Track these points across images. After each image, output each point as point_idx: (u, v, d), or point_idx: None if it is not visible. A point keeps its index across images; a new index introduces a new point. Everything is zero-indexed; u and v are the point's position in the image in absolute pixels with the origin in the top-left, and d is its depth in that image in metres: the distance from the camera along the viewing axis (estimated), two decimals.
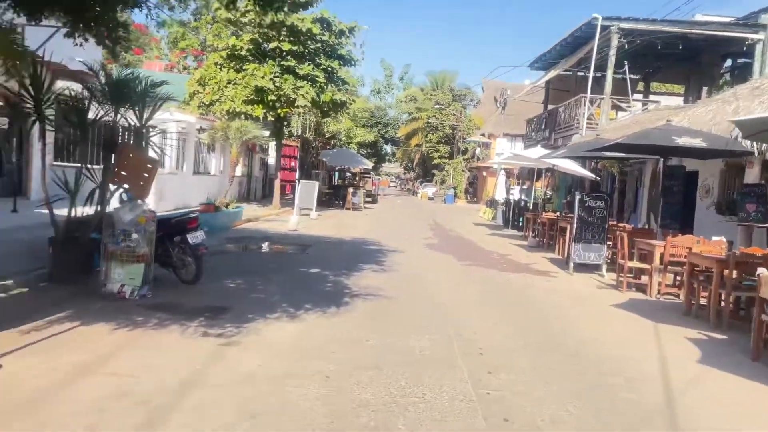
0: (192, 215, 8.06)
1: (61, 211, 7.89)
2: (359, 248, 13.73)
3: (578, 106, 20.13)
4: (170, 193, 17.61)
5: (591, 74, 19.65)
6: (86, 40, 7.29)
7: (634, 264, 10.02)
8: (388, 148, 70.20)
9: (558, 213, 17.22)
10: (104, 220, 7.18)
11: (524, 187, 27.71)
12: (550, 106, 26.86)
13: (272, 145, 31.32)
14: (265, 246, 13.00)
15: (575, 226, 11.74)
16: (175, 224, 7.90)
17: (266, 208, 23.09)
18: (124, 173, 7.23)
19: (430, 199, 52.94)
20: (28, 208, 13.07)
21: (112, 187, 7.78)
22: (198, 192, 20.10)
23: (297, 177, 36.49)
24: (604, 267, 11.77)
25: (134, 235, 7.00)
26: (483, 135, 49.61)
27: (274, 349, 5.40)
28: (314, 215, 21.26)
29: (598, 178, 17.50)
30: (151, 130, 7.83)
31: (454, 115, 54.35)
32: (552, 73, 22.97)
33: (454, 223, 25.02)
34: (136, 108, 8.05)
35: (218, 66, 22.48)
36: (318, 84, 22.24)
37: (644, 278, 10.21)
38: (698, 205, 14.49)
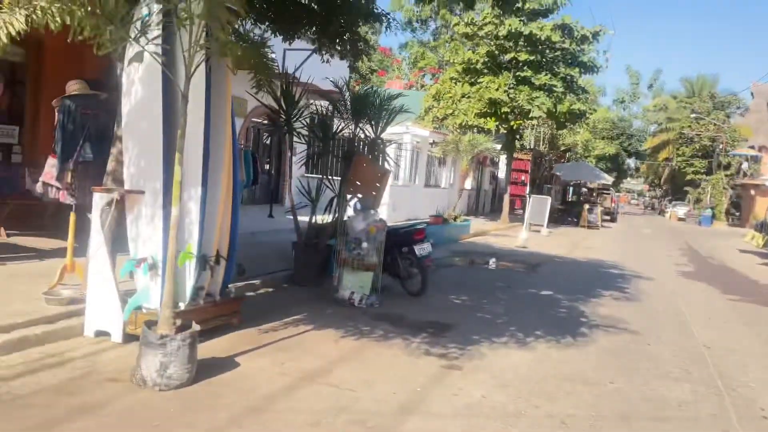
0: (419, 227, 7.94)
1: (306, 218, 8.41)
2: (596, 271, 12.42)
3: None
4: (403, 204, 18.18)
5: None
6: (332, 55, 7.66)
7: None
8: (630, 162, 64.48)
9: None
10: (339, 227, 7.41)
11: None
12: None
13: (503, 159, 30.88)
14: (492, 262, 12.49)
15: None
16: (403, 235, 7.84)
17: (494, 223, 22.62)
18: (358, 183, 7.39)
19: (681, 219, 47.02)
20: (282, 214, 14.57)
21: (348, 196, 8.05)
22: (428, 204, 20.47)
23: (527, 191, 35.44)
24: None
25: (365, 244, 7.07)
26: (752, 147, 42.46)
27: (500, 380, 4.84)
28: (545, 232, 20.15)
29: None
30: (385, 142, 7.92)
31: (714, 124, 47.57)
32: None
33: (714, 249, 21.57)
34: (372, 121, 8.26)
35: (453, 80, 22.77)
36: (555, 94, 21.12)
37: None
38: None
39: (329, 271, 7.92)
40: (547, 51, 21.63)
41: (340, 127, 8.60)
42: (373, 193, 7.18)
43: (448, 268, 10.74)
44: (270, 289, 7.48)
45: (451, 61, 23.61)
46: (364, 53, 7.51)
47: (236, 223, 5.37)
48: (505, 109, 20.94)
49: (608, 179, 30.68)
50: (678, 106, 54.81)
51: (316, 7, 6.70)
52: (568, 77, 21.61)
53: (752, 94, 52.87)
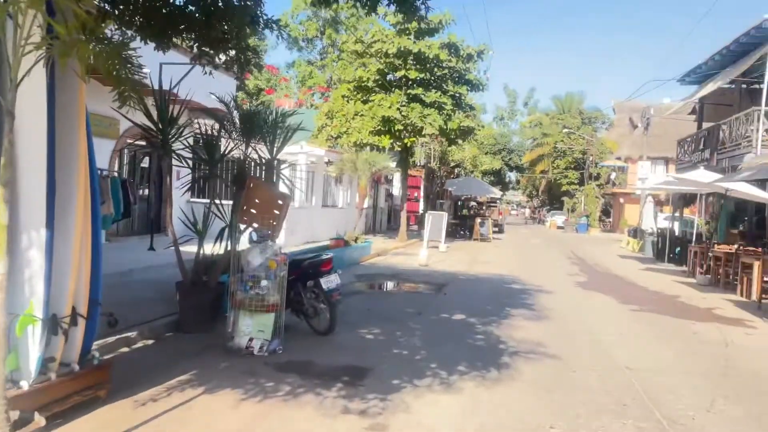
0: (325, 257, 7.14)
1: (194, 250, 7.31)
2: (500, 287, 12.24)
3: (749, 122, 17.28)
4: (300, 227, 17.27)
5: (766, 83, 16.79)
6: (215, 67, 6.71)
7: None
8: (511, 176, 67.68)
9: (739, 246, 14.50)
10: (233, 263, 6.44)
11: (677, 215, 24.59)
12: (706, 124, 23.81)
13: (396, 176, 30.82)
14: (397, 285, 11.96)
15: None
16: (307, 267, 7.01)
17: (392, 241, 22.26)
18: (253, 210, 6.47)
19: (560, 227, 49.77)
20: (165, 245, 13.10)
21: (241, 225, 7.09)
22: (326, 225, 19.69)
23: (421, 207, 35.71)
24: None
25: (264, 282, 6.16)
26: (619, 159, 45.96)
27: None
28: (443, 248, 20.04)
29: None
30: (282, 163, 7.07)
31: (583, 138, 51.07)
32: (711, 86, 20.16)
33: (597, 256, 22.60)
34: (267, 140, 7.39)
35: (345, 98, 22.28)
36: (445, 111, 21.25)
37: None
38: None
39: (223, 310, 6.90)
40: (436, 69, 21.77)
41: (229, 148, 7.63)
42: (272, 221, 6.29)
43: (355, 296, 9.99)
44: (150, 342, 6.32)
45: (342, 78, 23.08)
46: (251, 63, 6.62)
47: (98, 268, 4.28)
48: (399, 127, 20.73)
49: (497, 193, 31.58)
50: (551, 122, 58.37)
51: (193, 8, 5.74)
52: (457, 95, 21.87)
53: (613, 110, 57.54)
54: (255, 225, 6.39)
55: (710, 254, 14.58)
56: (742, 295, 12.49)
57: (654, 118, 32.54)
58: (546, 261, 19.55)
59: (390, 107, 20.68)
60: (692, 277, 15.90)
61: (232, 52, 6.69)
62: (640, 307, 10.50)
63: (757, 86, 22.61)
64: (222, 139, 7.68)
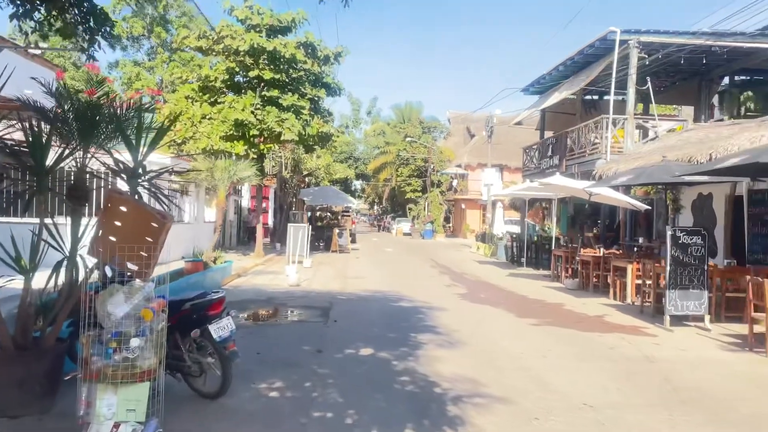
0: (215, 296, 5.39)
1: (18, 290, 5.14)
2: (389, 307, 11.15)
3: (598, 129, 18.29)
4: None
5: (612, 93, 17.87)
6: (44, 36, 4.70)
7: None
8: (357, 184, 67.94)
9: (616, 249, 14.98)
10: (84, 313, 4.47)
11: (527, 220, 25.71)
12: (548, 133, 25.21)
13: (245, 186, 28.62)
14: (277, 313, 10.32)
15: (669, 268, 9.51)
16: (190, 311, 5.24)
17: (248, 258, 20.26)
18: (112, 238, 4.56)
19: (407, 234, 50.69)
20: None
21: (87, 256, 5.10)
22: (174, 244, 17.19)
23: (270, 219, 33.71)
24: (707, 318, 9.55)
25: (135, 341, 4.32)
26: (459, 166, 47.94)
27: None
28: (308, 263, 18.55)
29: (649, 207, 15.50)
30: (147, 172, 5.18)
31: (425, 147, 52.65)
32: (557, 96, 21.19)
33: (455, 262, 22.68)
34: (107, 142, 5.43)
35: (190, 100, 19.86)
36: (303, 116, 19.86)
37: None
38: None
39: (62, 378, 4.88)
40: (291, 70, 20.30)
41: (64, 153, 5.54)
42: (141, 252, 4.45)
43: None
44: None
45: (184, 77, 20.59)
46: (105, 29, 4.70)
47: None
48: (254, 132, 18.90)
49: (353, 202, 30.77)
50: (393, 131, 59.56)
51: None
52: (316, 98, 20.60)
53: (449, 120, 60.47)
54: (117, 259, 4.49)
55: (577, 258, 14.91)
56: (615, 298, 12.78)
57: (490, 127, 34.08)
58: (415, 271, 18.97)
59: (243, 110, 18.79)
60: (557, 281, 16.26)
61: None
62: (538, 321, 10.04)
63: (594, 97, 24.55)
64: (54, 141, 5.56)
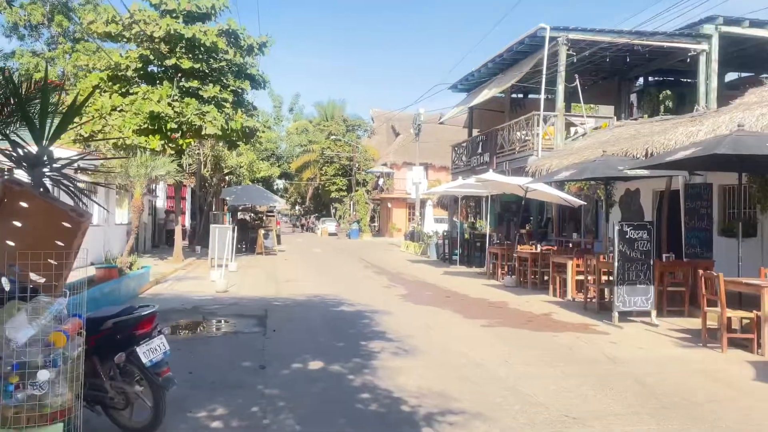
0: (145, 312, 4.45)
1: None
2: (331, 313, 10.39)
3: (529, 126, 18.33)
4: None
5: (543, 89, 17.94)
6: None
7: (739, 314, 7.71)
8: (280, 183, 66.20)
9: (549, 246, 14.89)
10: None
11: (455, 219, 25.64)
12: (475, 131, 25.24)
13: (160, 185, 26.80)
14: (207, 324, 9.31)
15: (617, 264, 9.36)
16: (113, 331, 4.28)
17: (167, 263, 18.80)
18: (10, 242, 3.55)
19: (332, 234, 49.85)
20: None
21: None
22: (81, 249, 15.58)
23: (188, 221, 31.83)
24: (654, 313, 9.48)
25: (43, 374, 3.36)
26: (385, 165, 47.64)
27: None
28: (233, 267, 17.37)
29: (585, 203, 15.59)
30: (54, 160, 4.16)
31: (349, 145, 51.97)
32: (486, 94, 21.15)
33: (388, 262, 22.20)
34: (4, 127, 4.39)
35: (98, 90, 18.12)
36: (226, 109, 18.63)
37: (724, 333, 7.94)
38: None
39: None
40: (212, 60, 19.00)
41: None
42: (51, 261, 3.49)
43: None
44: None
45: (91, 66, 18.78)
46: None
47: None
48: (172, 125, 17.49)
49: (280, 201, 29.61)
50: (316, 129, 58.45)
51: None
52: (239, 90, 19.42)
53: (372, 118, 60.16)
54: (18, 268, 3.49)
55: (515, 255, 14.74)
56: (555, 295, 12.65)
57: (417, 125, 33.90)
58: (350, 273, 18.25)
59: (159, 102, 17.35)
60: (494, 278, 16.07)
61: None
62: (488, 322, 9.62)
63: (519, 95, 24.79)
64: None
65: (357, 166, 50.19)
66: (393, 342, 7.86)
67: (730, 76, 22.35)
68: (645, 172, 9.96)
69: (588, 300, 11.07)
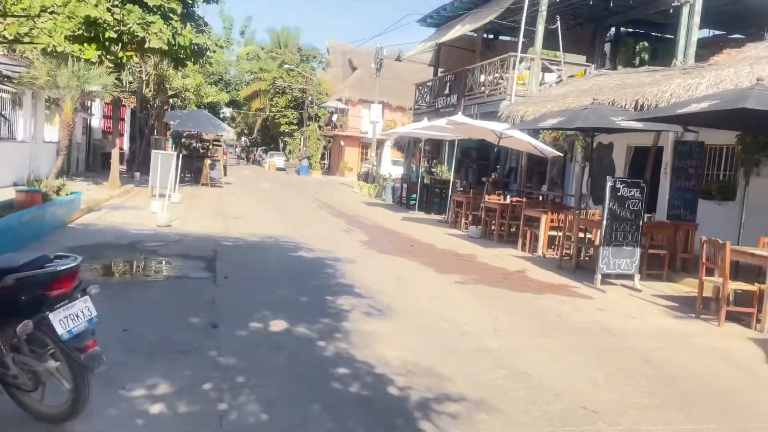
0: (63, 266, 3.26)
1: None
2: (289, 258, 9.34)
3: (504, 68, 17.27)
4: None
5: (522, 28, 16.79)
6: None
7: (739, 285, 7.14)
8: (228, 111, 62.94)
9: (518, 197, 14.14)
10: None
11: (412, 162, 24.65)
12: (441, 71, 23.96)
13: (96, 103, 24.44)
14: (146, 265, 8.10)
15: (605, 223, 8.67)
16: (15, 289, 3.10)
17: (101, 188, 17.11)
18: None
19: (280, 169, 48.06)
20: None
21: None
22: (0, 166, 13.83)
23: (126, 144, 29.50)
24: (637, 278, 8.92)
25: None
26: (339, 100, 45.68)
27: None
28: (176, 198, 15.89)
29: (561, 154, 14.79)
30: None
31: (303, 76, 49.46)
32: (459, 30, 19.84)
33: (342, 203, 21.17)
34: None
35: None
36: (173, 21, 16.61)
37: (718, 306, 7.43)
38: None
39: None
40: None
41: None
42: None
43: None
44: None
45: None
46: None
47: None
48: (111, 34, 15.44)
49: (229, 130, 27.67)
50: (268, 57, 55.22)
51: None
52: (189, 1, 17.32)
53: (327, 50, 57.40)
54: None
55: (482, 205, 13.96)
56: (525, 249, 12.01)
57: (379, 60, 32.16)
58: (304, 213, 17.12)
59: (97, 6, 15.19)
60: (456, 227, 15.35)
61: None
62: (462, 278, 8.82)
63: (490, 36, 23.55)
64: None
65: (310, 99, 47.99)
66: (363, 298, 6.93)
67: (700, 34, 21.89)
68: (639, 125, 9.17)
69: (563, 257, 10.45)
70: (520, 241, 12.26)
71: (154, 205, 13.10)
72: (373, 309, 6.49)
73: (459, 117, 15.52)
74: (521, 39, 16.71)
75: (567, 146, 14.95)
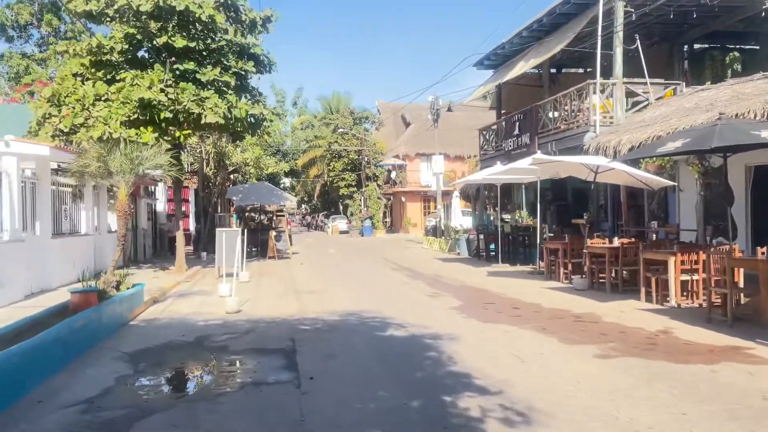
0: None
1: None
2: (379, 341, 7.84)
3: (582, 97, 15.68)
4: (14, 272, 10.71)
5: (599, 52, 15.25)
6: None
7: None
8: (287, 181, 63.59)
9: (630, 240, 12.14)
10: None
11: (488, 211, 23.02)
12: (503, 112, 22.60)
13: (159, 187, 24.33)
14: (214, 371, 6.76)
15: None
16: None
17: (168, 274, 16.33)
18: None
19: (344, 232, 47.37)
20: None
21: None
22: (64, 264, 13.19)
23: (192, 224, 29.33)
24: None
25: None
26: (396, 157, 44.98)
27: None
28: (244, 276, 14.87)
29: (673, 183, 12.82)
30: None
31: (357, 138, 49.32)
32: (525, 65, 18.51)
33: (416, 262, 19.66)
34: None
35: (78, 77, 15.61)
36: (228, 95, 16.07)
37: None
38: None
39: None
40: (210, 39, 16.46)
41: None
42: None
43: (142, 421, 4.69)
44: None
45: (71, 49, 16.24)
46: None
47: None
48: (166, 114, 14.96)
49: (291, 199, 27.02)
50: (321, 124, 55.75)
51: None
52: (242, 72, 16.83)
53: (378, 110, 57.50)
54: None
55: (585, 251, 12.13)
56: (651, 300, 10.04)
57: (436, 110, 31.20)
58: (378, 277, 15.70)
59: (150, 88, 14.82)
60: (553, 279, 13.51)
61: None
62: (601, 350, 7.02)
63: (552, 71, 22.12)
64: None
65: (366, 159, 47.59)
66: (490, 395, 5.29)
67: None
68: None
69: (711, 307, 8.46)
70: (643, 291, 10.31)
71: (222, 289, 12.03)
72: (512, 413, 4.84)
73: (542, 155, 13.98)
74: (599, 64, 15.13)
75: (672, 173, 12.98)
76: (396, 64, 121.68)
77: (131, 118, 14.92)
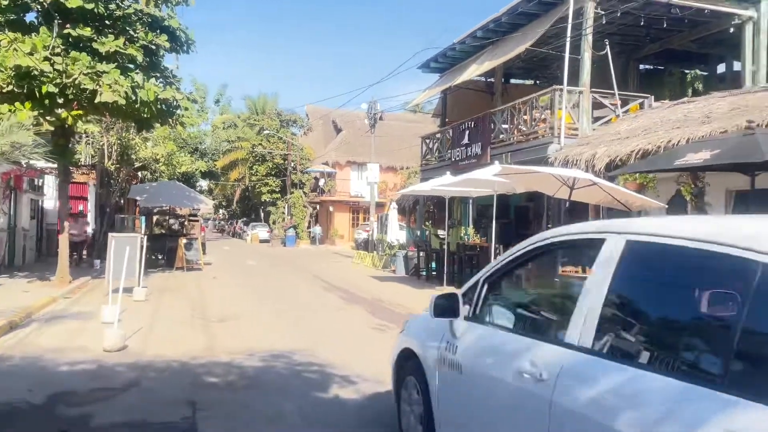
0: None
1: None
2: (320, 409, 5.52)
3: (545, 107, 14.10)
4: None
5: (567, 56, 13.74)
6: None
7: None
8: (204, 184, 59.39)
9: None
10: None
11: (412, 226, 21.15)
12: (448, 120, 20.91)
13: (50, 181, 20.72)
14: None
15: None
16: None
17: (45, 286, 13.20)
18: None
19: (264, 241, 44.32)
20: None
21: None
22: None
23: (90, 227, 25.61)
24: None
25: None
26: (325, 164, 42.56)
27: None
28: (140, 293, 12.03)
29: (663, 205, 11.32)
30: None
31: (284, 142, 46.49)
32: (478, 68, 16.87)
33: (349, 281, 17.41)
34: None
35: None
36: (132, 72, 13.22)
37: None
38: None
39: None
40: (114, 4, 13.56)
41: None
42: None
43: None
44: None
45: None
46: None
47: None
48: (51, 89, 11.94)
49: (207, 202, 24.00)
50: (245, 125, 52.42)
51: None
52: (153, 46, 14.01)
53: (307, 115, 54.91)
54: None
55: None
56: None
57: (373, 115, 29.21)
58: (308, 300, 13.29)
59: (32, 54, 11.78)
60: None
61: None
62: None
63: (505, 80, 20.68)
64: None
65: (293, 165, 44.85)
66: None
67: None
68: None
69: None
70: None
71: (106, 313, 9.25)
72: None
73: (511, 165, 12.21)
74: (566, 70, 13.61)
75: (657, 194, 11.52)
76: (327, 69, 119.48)
77: (4, 90, 11.82)
